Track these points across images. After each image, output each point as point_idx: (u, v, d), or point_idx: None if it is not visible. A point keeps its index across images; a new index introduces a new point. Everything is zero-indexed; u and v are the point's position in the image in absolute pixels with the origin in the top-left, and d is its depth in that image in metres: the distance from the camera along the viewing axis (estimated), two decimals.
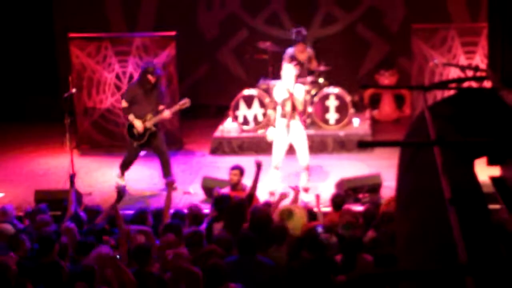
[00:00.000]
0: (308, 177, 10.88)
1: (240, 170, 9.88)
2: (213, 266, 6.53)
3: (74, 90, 11.89)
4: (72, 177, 9.88)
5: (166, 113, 11.42)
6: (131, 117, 11.30)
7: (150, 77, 11.26)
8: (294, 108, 10.66)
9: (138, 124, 11.29)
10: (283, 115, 10.75)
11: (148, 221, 8.55)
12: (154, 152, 11.63)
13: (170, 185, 9.45)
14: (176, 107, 11.53)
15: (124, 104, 11.39)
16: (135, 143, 11.38)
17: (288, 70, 10.82)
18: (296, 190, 9.47)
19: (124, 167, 11.53)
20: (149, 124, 11.32)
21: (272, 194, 10.63)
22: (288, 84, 10.70)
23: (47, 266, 6.96)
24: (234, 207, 8.24)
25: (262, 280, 6.67)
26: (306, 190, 10.77)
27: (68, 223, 8.52)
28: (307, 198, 10.49)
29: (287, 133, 10.73)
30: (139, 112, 11.30)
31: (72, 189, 9.57)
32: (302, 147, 10.80)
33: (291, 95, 10.60)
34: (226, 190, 9.81)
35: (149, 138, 11.38)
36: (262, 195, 9.94)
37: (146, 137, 11.35)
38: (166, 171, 11.47)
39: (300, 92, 10.79)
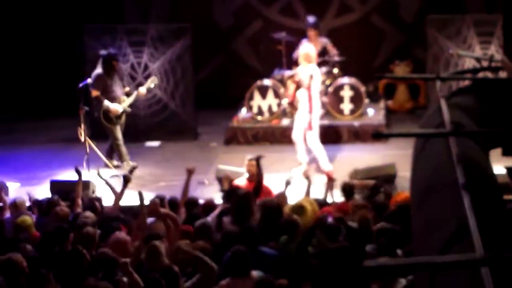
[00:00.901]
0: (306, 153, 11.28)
1: (257, 161, 9.88)
2: (239, 253, 6.54)
3: (89, 81, 11.90)
4: (78, 169, 9.77)
5: (142, 91, 11.86)
6: (106, 103, 11.56)
7: (114, 63, 11.77)
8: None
9: (116, 107, 11.61)
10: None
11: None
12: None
13: (189, 173, 9.41)
14: (148, 84, 11.94)
15: (95, 93, 11.65)
16: (114, 127, 11.67)
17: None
18: (309, 180, 9.41)
19: (122, 156, 11.67)
20: (125, 105, 11.73)
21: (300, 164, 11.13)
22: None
23: (68, 254, 6.99)
24: (240, 199, 8.21)
25: (265, 271, 6.66)
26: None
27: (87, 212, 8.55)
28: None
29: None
30: (113, 100, 11.64)
31: (80, 181, 9.53)
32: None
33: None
34: (243, 180, 9.80)
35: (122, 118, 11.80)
36: (276, 187, 9.89)
37: (123, 118, 11.76)
38: (111, 154, 11.85)
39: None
